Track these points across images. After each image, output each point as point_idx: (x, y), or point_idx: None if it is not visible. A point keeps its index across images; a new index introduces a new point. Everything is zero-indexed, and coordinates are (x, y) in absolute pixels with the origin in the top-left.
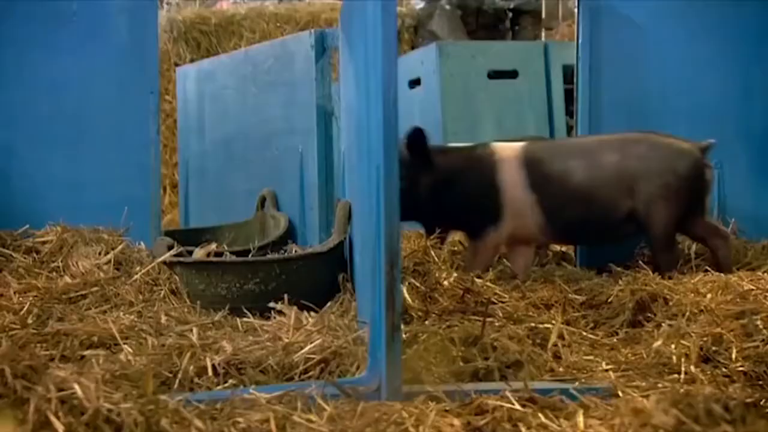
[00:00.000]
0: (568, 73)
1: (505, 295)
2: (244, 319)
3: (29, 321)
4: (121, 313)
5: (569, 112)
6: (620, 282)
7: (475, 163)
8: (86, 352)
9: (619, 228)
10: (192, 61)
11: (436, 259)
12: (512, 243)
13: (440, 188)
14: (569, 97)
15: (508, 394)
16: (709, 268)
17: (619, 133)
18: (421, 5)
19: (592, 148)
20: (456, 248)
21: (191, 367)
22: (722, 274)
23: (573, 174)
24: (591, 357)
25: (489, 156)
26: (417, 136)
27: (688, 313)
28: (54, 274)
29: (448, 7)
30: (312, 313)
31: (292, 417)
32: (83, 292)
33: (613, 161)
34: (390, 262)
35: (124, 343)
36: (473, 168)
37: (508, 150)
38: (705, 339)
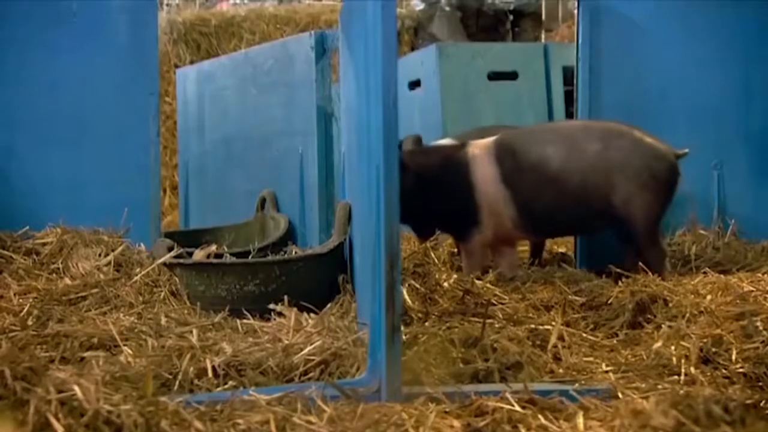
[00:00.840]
0: (568, 75)
1: (505, 297)
2: (244, 321)
3: (29, 322)
4: (121, 315)
5: (569, 114)
6: (620, 283)
7: (448, 162)
8: (86, 354)
9: (597, 218)
10: (192, 62)
11: (435, 260)
12: (495, 242)
13: (417, 191)
14: (569, 98)
15: (508, 395)
16: (708, 270)
17: (600, 122)
18: (421, 6)
19: (571, 135)
20: (455, 249)
21: (191, 369)
22: (722, 276)
23: (548, 163)
24: (591, 358)
25: (463, 154)
26: None
27: (687, 315)
28: (54, 275)
29: (448, 8)
30: (312, 315)
31: (292, 418)
32: (83, 294)
33: (594, 150)
34: (390, 263)
35: (124, 345)
36: (447, 168)
37: (480, 145)
38: (705, 340)
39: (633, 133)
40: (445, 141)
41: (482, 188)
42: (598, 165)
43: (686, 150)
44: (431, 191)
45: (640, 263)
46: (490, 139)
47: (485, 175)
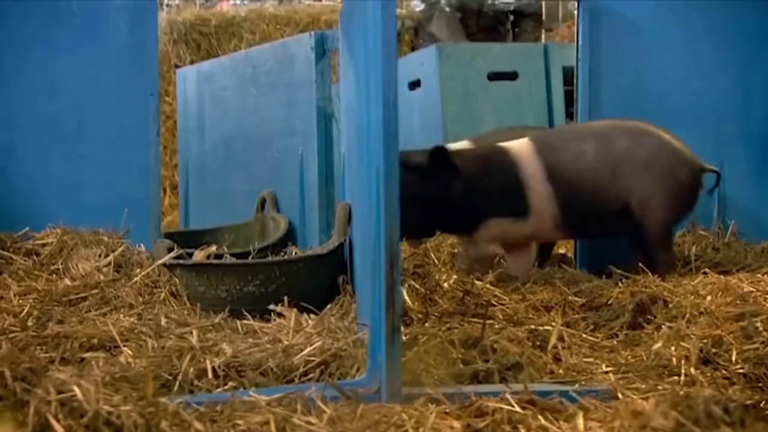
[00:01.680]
0: (568, 75)
1: (505, 297)
2: (244, 322)
3: (29, 323)
4: (121, 316)
5: (569, 114)
6: (620, 284)
7: (496, 162)
8: (86, 355)
9: (619, 217)
10: (192, 62)
11: (436, 261)
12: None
13: (468, 194)
14: (569, 98)
15: (508, 396)
16: (708, 270)
17: (630, 120)
18: (421, 7)
19: (603, 133)
20: (456, 250)
21: (191, 370)
22: (722, 276)
23: (583, 160)
24: (591, 359)
25: (506, 154)
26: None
27: (688, 315)
28: (54, 276)
29: (447, 9)
30: (312, 315)
31: (292, 419)
32: (83, 295)
33: (621, 148)
34: (390, 264)
35: (124, 346)
36: (497, 168)
37: (520, 145)
38: (705, 341)
39: (665, 138)
40: (462, 144)
41: (533, 186)
42: (624, 162)
43: (715, 167)
44: (480, 194)
45: (640, 263)
46: (526, 139)
47: (534, 173)
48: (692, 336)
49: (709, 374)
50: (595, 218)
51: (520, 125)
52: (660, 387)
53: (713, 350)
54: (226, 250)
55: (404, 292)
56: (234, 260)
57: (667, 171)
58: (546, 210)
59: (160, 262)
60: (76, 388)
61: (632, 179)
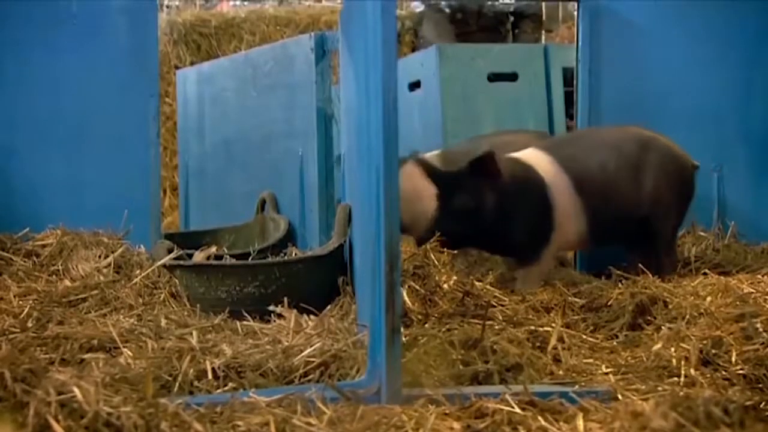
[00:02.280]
0: (568, 76)
1: (505, 298)
2: (244, 323)
3: (29, 324)
4: (121, 317)
5: (569, 115)
6: (620, 285)
7: (524, 173)
8: (86, 356)
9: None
10: (192, 63)
11: (436, 262)
12: None
13: (504, 206)
14: (569, 99)
15: (508, 397)
16: (708, 271)
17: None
18: (421, 8)
19: (613, 139)
20: (455, 251)
21: (191, 371)
22: (722, 277)
23: (602, 169)
24: (591, 360)
25: (527, 164)
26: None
27: (687, 316)
28: (54, 277)
29: (447, 10)
30: (312, 317)
31: (292, 420)
32: (83, 296)
33: (636, 155)
34: (390, 265)
35: (124, 347)
36: (526, 179)
37: (536, 155)
38: (705, 342)
39: (665, 140)
40: (434, 153)
41: (559, 200)
42: (642, 168)
43: (696, 162)
44: (512, 207)
45: (640, 264)
46: (538, 148)
47: (560, 185)
48: (692, 337)
49: (708, 375)
50: (618, 228)
51: (504, 130)
52: (660, 388)
53: (713, 351)
54: (225, 251)
55: (404, 293)
56: (234, 261)
57: (676, 174)
58: (573, 223)
59: (160, 263)
60: (76, 389)
61: (650, 185)
